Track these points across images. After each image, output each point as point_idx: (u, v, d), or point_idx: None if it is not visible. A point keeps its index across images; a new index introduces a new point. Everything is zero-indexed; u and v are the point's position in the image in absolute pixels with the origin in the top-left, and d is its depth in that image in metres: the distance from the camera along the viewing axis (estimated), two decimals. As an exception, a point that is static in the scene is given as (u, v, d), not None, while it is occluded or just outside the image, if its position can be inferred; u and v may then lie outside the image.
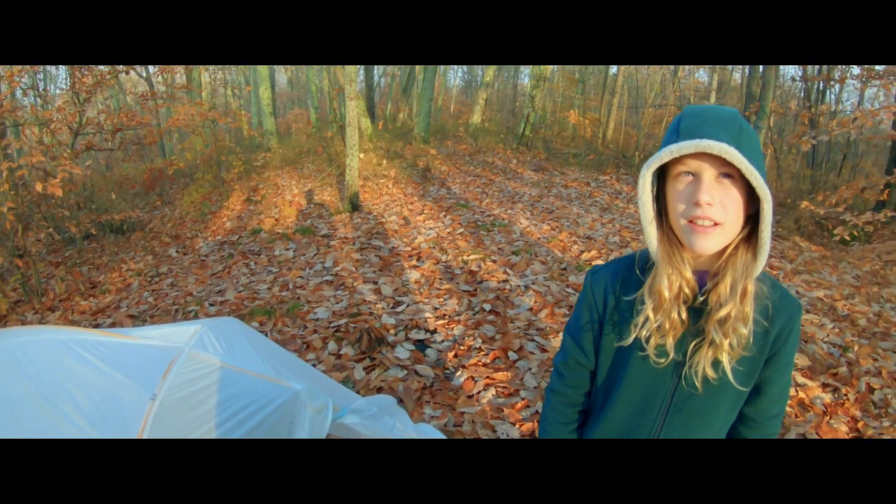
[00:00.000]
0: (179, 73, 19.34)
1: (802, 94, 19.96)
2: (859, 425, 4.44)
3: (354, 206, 11.53)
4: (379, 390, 4.74)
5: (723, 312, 1.47)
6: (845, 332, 5.96)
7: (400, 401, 4.58)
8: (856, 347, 5.57)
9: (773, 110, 12.16)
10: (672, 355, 1.56)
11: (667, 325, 1.53)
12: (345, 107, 11.80)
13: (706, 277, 1.53)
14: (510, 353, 5.35)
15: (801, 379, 5.00)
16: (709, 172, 1.38)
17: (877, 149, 19.33)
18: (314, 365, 5.14)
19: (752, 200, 1.43)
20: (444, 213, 11.13)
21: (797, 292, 7.01)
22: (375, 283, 7.17)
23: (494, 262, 7.88)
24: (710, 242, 1.42)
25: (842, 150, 18.33)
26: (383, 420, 3.24)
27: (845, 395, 4.82)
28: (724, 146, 1.30)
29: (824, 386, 4.96)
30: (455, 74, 47.23)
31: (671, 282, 1.50)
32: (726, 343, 1.48)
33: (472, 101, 28.81)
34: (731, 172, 1.37)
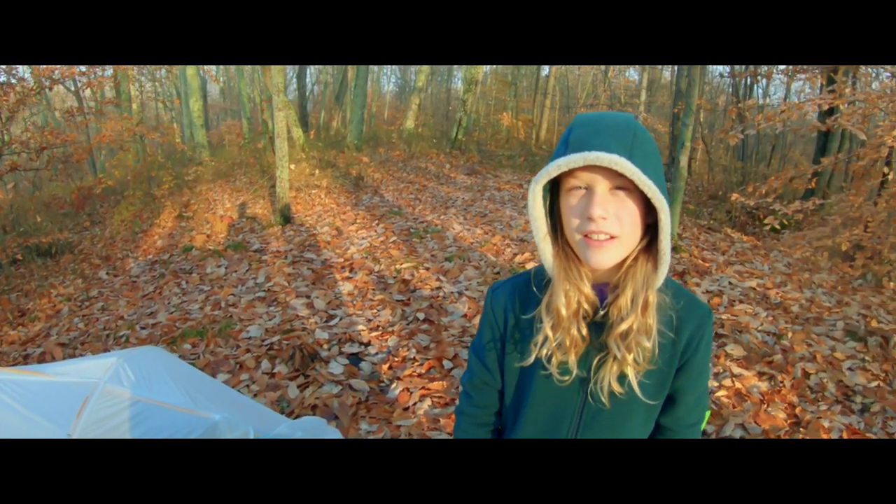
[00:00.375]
0: (109, 86, 18.99)
1: (731, 90, 20.39)
2: (797, 411, 4.53)
3: (286, 219, 11.46)
4: (314, 408, 4.73)
5: (624, 326, 1.43)
6: (779, 319, 6.07)
7: (335, 417, 4.58)
8: (790, 334, 5.67)
9: (701, 107, 12.35)
10: (576, 372, 1.52)
11: (567, 343, 1.49)
12: (274, 117, 11.72)
13: (606, 290, 1.50)
14: (445, 362, 5.38)
15: (736, 369, 5.08)
16: (602, 185, 1.33)
17: (804, 139, 19.66)
18: (247, 386, 5.13)
19: (650, 210, 1.38)
20: (376, 221, 11.12)
21: (730, 283, 7.15)
22: (308, 297, 7.15)
23: (427, 269, 7.92)
24: (606, 257, 1.38)
25: (770, 142, 18.68)
26: (310, 444, 3.25)
27: (781, 382, 4.91)
28: (615, 158, 1.26)
29: (760, 374, 5.05)
30: (388, 80, 47.01)
31: (569, 298, 1.47)
32: (630, 357, 1.44)
33: (405, 106, 28.77)
34: (625, 184, 1.32)
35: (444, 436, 4.32)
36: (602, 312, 1.49)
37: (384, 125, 30.92)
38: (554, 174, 1.33)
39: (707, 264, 7.92)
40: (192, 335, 6.20)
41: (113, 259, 10.82)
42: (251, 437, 2.91)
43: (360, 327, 6.19)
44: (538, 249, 1.50)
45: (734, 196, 8.15)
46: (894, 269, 6.19)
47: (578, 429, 1.60)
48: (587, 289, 1.48)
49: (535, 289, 1.58)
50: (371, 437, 4.38)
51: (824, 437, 4.19)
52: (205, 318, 6.76)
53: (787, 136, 18.86)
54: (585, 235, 1.37)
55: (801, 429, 4.29)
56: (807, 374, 5.03)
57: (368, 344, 5.84)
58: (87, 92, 17.05)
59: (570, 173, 1.34)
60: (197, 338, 6.15)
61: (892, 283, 6.32)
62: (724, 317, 6.11)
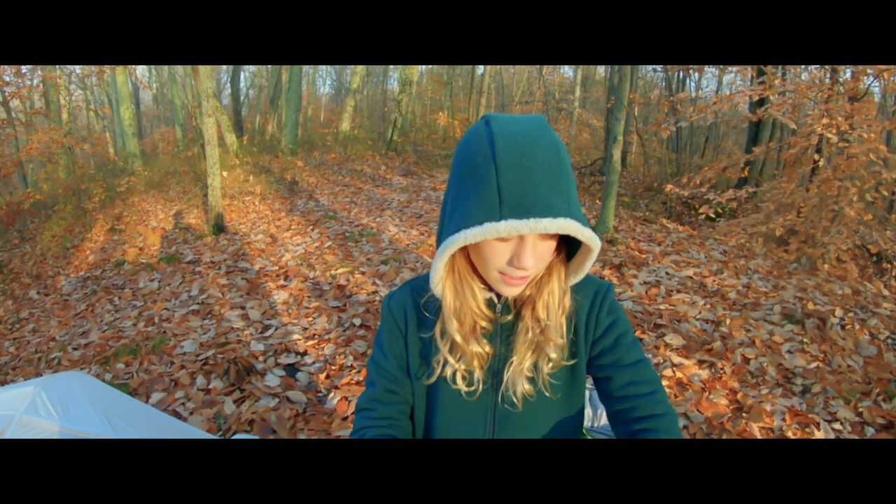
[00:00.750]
0: (37, 95, 18.50)
1: (664, 84, 20.69)
2: (739, 396, 4.55)
3: (220, 228, 11.26)
4: (251, 423, 4.60)
5: (538, 333, 1.39)
6: (716, 306, 6.12)
7: (273, 432, 4.48)
8: (728, 321, 5.70)
9: (634, 101, 12.46)
10: (482, 383, 1.46)
11: (472, 361, 1.43)
12: (204, 123, 11.47)
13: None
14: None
15: (676, 358, 5.09)
16: (533, 236, 1.22)
17: (736, 130, 20.07)
18: (183, 404, 4.98)
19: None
20: (311, 226, 11.00)
21: (667, 273, 7.19)
22: (243, 307, 7.01)
23: (363, 273, 7.83)
24: (519, 290, 1.34)
25: (704, 134, 19.03)
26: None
27: (722, 368, 4.93)
28: (561, 223, 1.15)
29: (700, 363, 5.06)
30: (324, 81, 46.72)
31: (462, 321, 1.40)
32: (544, 359, 1.41)
33: (341, 108, 28.62)
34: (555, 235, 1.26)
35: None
36: (508, 317, 1.45)
37: (320, 128, 30.77)
38: (492, 237, 1.19)
39: (644, 255, 7.97)
40: (126, 354, 6.02)
41: (44, 277, 10.52)
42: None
43: (296, 336, 6.08)
44: (432, 282, 1.38)
45: (669, 187, 8.23)
46: (828, 252, 6.28)
47: (494, 434, 1.52)
48: (482, 304, 1.41)
49: (425, 312, 1.51)
50: (311, 449, 4.27)
51: (767, 421, 4.21)
52: (138, 335, 6.57)
53: (719, 127, 19.25)
54: (505, 274, 1.29)
55: (744, 414, 4.31)
56: (747, 360, 5.06)
57: (305, 353, 5.74)
58: (16, 102, 16.61)
59: None
60: (130, 356, 5.97)
61: (826, 266, 6.40)
62: (662, 307, 6.13)
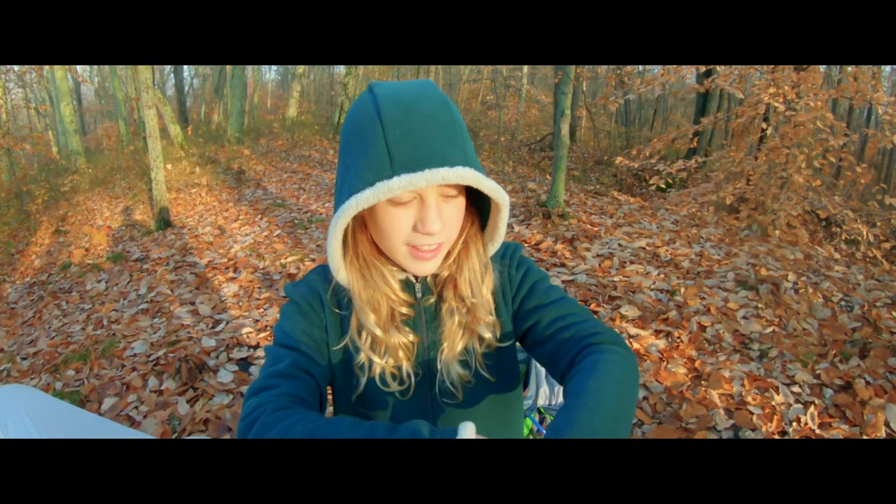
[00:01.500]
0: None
1: (611, 57, 20.93)
2: (697, 364, 4.56)
3: (166, 223, 11.03)
4: (206, 422, 4.49)
5: (463, 312, 1.33)
6: (670, 276, 6.12)
7: (228, 430, 4.39)
8: (682, 290, 5.72)
9: (580, 75, 12.48)
10: (414, 377, 1.36)
11: (395, 351, 1.33)
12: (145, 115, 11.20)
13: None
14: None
15: (633, 330, 5.08)
16: (434, 194, 1.15)
17: (684, 102, 20.36)
18: (136, 407, 4.85)
19: (469, 196, 1.27)
20: (259, 216, 10.86)
21: (619, 245, 7.17)
22: (192, 303, 6.89)
23: (314, 260, 7.76)
24: (434, 263, 1.27)
25: (652, 107, 19.29)
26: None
27: (678, 338, 4.93)
28: (459, 172, 1.08)
29: (657, 332, 5.06)
30: (269, 68, 46.19)
31: (377, 310, 1.31)
32: (472, 341, 1.35)
33: (288, 94, 28.36)
34: (457, 188, 1.18)
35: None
36: (431, 299, 1.38)
37: (266, 115, 30.44)
38: (385, 197, 1.11)
39: (596, 228, 7.95)
40: (75, 360, 5.85)
41: (-11, 285, 10.25)
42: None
43: (248, 329, 5.97)
44: (333, 271, 1.31)
45: (619, 159, 8.27)
46: (778, 219, 6.34)
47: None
48: (395, 288, 1.33)
49: (336, 309, 1.40)
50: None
51: (726, 387, 4.22)
52: (87, 340, 6.40)
53: (667, 99, 19.49)
54: (415, 248, 1.21)
55: (703, 381, 4.32)
56: (703, 328, 5.08)
57: (257, 346, 5.62)
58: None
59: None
60: (80, 362, 5.80)
61: (777, 231, 6.47)
62: (616, 279, 6.13)
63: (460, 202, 1.22)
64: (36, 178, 15.64)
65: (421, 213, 1.17)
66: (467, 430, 0.95)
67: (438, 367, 1.37)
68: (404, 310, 1.34)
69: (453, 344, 1.35)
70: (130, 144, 18.87)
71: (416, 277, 1.37)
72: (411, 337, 1.35)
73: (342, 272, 1.29)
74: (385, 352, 1.33)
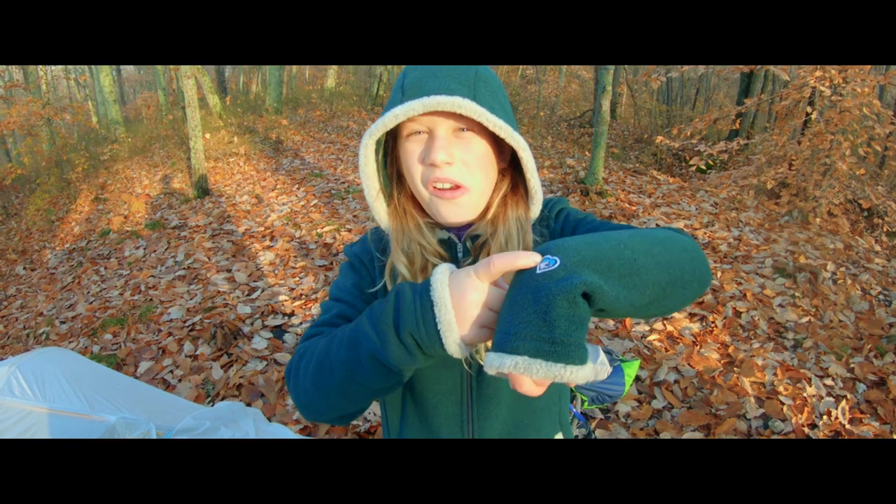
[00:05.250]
0: (16, 67, 18.20)
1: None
2: (730, 350, 4.54)
3: (204, 191, 11.15)
4: (239, 388, 4.59)
5: None
6: (708, 259, 6.03)
7: (261, 395, 4.47)
8: (719, 274, 5.68)
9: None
10: None
11: None
12: (184, 85, 11.29)
13: (464, 234, 1.34)
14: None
15: (667, 312, 5.05)
16: (443, 127, 1.19)
17: (728, 82, 20.04)
18: (171, 371, 4.97)
19: (504, 150, 1.29)
20: (297, 185, 10.93)
21: (657, 225, 7.10)
22: (229, 270, 6.96)
23: (350, 231, 7.80)
24: (460, 211, 1.25)
25: (695, 86, 18.99)
26: (219, 434, 3.08)
27: (713, 322, 4.91)
28: (458, 100, 1.12)
29: (691, 316, 5.05)
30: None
31: (411, 259, 1.31)
32: None
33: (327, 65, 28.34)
34: (469, 125, 1.19)
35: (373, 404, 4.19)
36: (468, 262, 1.34)
37: (305, 85, 30.48)
38: (391, 125, 1.17)
39: (634, 207, 7.90)
40: (113, 324, 5.97)
41: (30, 252, 10.45)
42: (153, 435, 2.76)
43: (283, 298, 6.04)
44: (371, 210, 1.33)
45: (659, 139, 8.15)
46: (819, 206, 6.24)
47: (472, 399, 1.41)
48: (431, 239, 1.32)
49: (377, 254, 1.42)
50: (298, 411, 4.25)
51: (758, 375, 4.20)
52: (125, 305, 6.51)
53: (710, 78, 19.19)
54: (434, 188, 1.22)
55: (735, 368, 4.30)
56: (738, 313, 5.05)
57: (292, 314, 5.70)
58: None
59: (410, 119, 1.19)
60: (117, 326, 5.92)
61: (817, 219, 6.38)
62: (652, 260, 6.08)
63: (477, 143, 1.22)
64: (76, 147, 15.79)
65: (427, 144, 1.21)
66: (439, 273, 0.96)
67: None
68: (437, 260, 1.32)
69: None
70: (169, 114, 19.02)
71: (459, 237, 1.35)
72: None
73: (382, 214, 1.32)
74: None
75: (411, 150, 1.22)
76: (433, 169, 1.19)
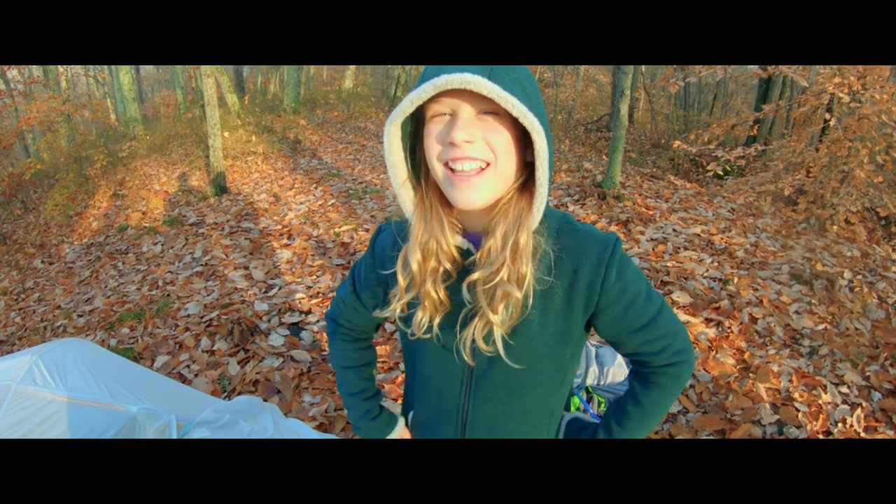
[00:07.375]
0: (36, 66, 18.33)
1: (672, 38, 20.72)
2: (745, 356, 4.54)
3: (222, 189, 11.25)
4: (255, 384, 4.63)
5: (491, 275, 1.27)
6: (724, 265, 6.07)
7: (277, 392, 4.51)
8: (736, 279, 5.68)
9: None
10: (436, 332, 1.39)
11: (427, 304, 1.35)
12: (203, 84, 11.37)
13: (481, 241, 1.34)
14: (387, 325, 5.27)
15: (683, 316, 5.06)
16: (466, 109, 1.18)
17: (745, 87, 19.96)
18: (188, 366, 5.00)
19: (527, 143, 1.24)
20: (314, 185, 10.98)
21: (674, 230, 7.13)
22: (246, 268, 7.02)
23: (367, 230, 7.83)
24: (476, 193, 1.22)
25: (712, 91, 18.92)
26: (238, 427, 3.11)
27: (729, 327, 4.91)
28: (466, 76, 1.11)
29: (707, 321, 5.04)
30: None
31: (426, 254, 1.32)
32: (498, 312, 1.27)
33: (344, 65, 28.31)
34: (493, 108, 1.17)
35: (388, 402, 4.23)
36: (475, 273, 1.32)
37: (323, 86, 30.52)
38: (409, 110, 1.19)
39: (651, 212, 7.89)
40: (130, 318, 6.01)
41: (48, 246, 10.49)
42: (173, 425, 2.79)
43: (300, 295, 6.08)
44: (398, 197, 1.34)
45: (677, 143, 8.14)
46: (837, 213, 6.21)
47: (470, 390, 1.47)
48: (449, 240, 1.33)
49: (399, 240, 1.43)
50: (314, 408, 4.31)
51: (774, 382, 4.20)
52: (142, 300, 6.55)
53: (728, 84, 19.11)
54: (451, 169, 1.22)
55: (751, 374, 4.30)
56: (754, 319, 5.04)
57: (309, 312, 5.74)
58: (13, 72, 16.39)
59: (432, 101, 1.19)
60: (135, 321, 5.97)
61: (835, 227, 6.34)
62: (669, 264, 6.09)
63: (500, 129, 1.20)
64: (95, 143, 15.87)
65: (448, 125, 1.20)
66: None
67: (462, 329, 1.36)
68: (448, 266, 1.34)
69: (479, 312, 1.31)
70: (188, 112, 19.10)
71: (476, 247, 1.35)
72: (442, 294, 1.35)
73: (408, 203, 1.34)
74: (414, 294, 1.38)
75: (432, 130, 1.23)
76: (452, 148, 1.19)
